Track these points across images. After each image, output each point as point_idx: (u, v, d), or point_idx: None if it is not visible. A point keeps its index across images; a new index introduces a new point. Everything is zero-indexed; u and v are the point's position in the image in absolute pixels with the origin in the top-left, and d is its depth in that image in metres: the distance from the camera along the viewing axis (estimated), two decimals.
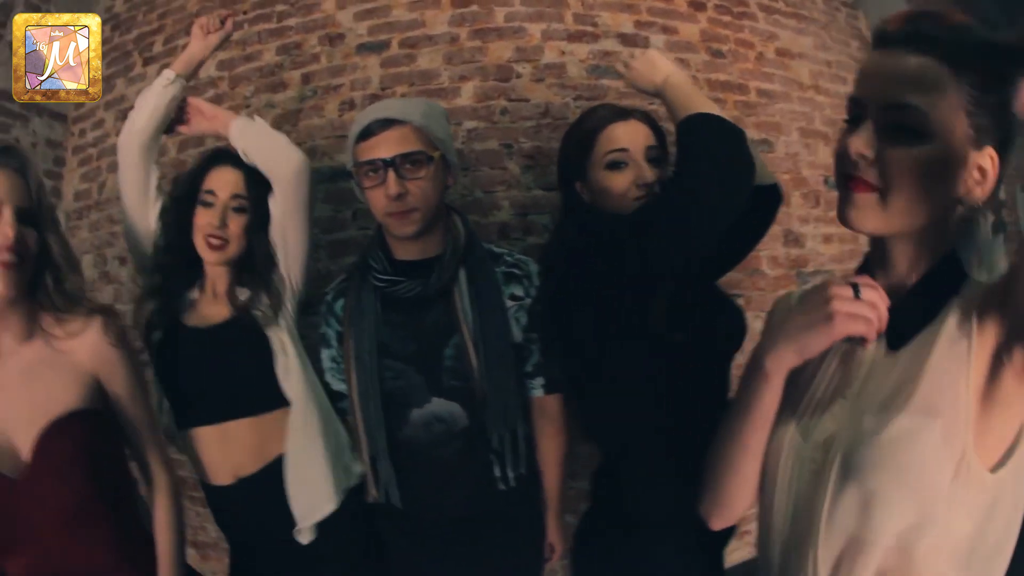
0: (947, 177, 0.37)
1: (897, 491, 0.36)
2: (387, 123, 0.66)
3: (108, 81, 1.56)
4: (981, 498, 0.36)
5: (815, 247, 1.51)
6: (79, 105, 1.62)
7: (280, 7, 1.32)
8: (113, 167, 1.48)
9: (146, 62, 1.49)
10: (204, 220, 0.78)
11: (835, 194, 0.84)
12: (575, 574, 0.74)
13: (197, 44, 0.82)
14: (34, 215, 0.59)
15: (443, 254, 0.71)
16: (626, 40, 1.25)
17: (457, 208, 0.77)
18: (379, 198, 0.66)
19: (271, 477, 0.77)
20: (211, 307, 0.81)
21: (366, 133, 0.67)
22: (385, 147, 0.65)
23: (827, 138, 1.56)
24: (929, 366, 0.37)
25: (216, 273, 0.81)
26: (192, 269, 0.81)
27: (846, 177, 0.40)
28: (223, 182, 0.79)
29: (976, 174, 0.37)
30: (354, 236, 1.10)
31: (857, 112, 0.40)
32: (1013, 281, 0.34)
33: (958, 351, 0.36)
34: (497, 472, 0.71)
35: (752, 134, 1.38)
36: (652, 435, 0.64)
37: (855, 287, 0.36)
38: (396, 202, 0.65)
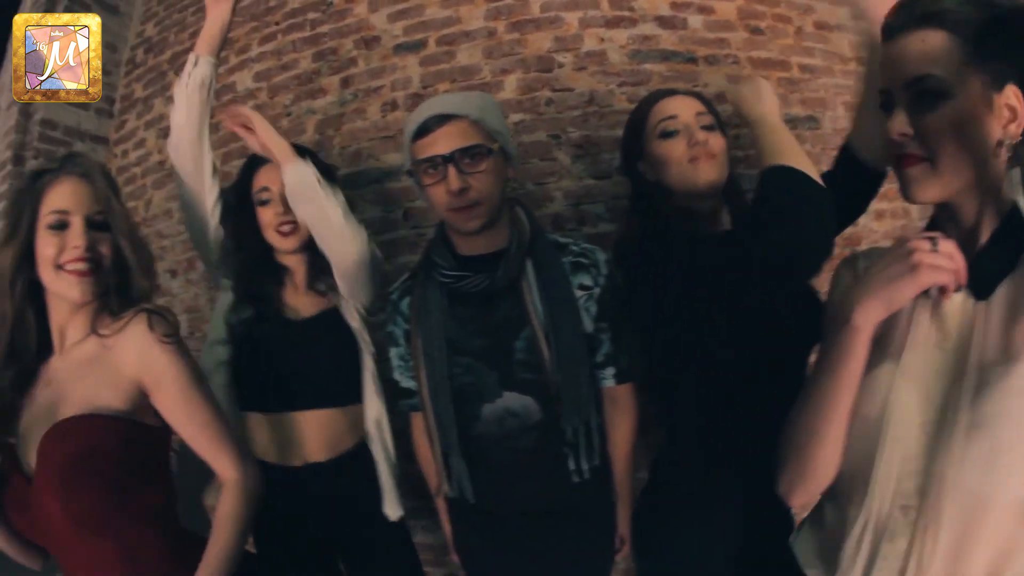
0: (978, 125, 0.40)
1: (1021, 440, 0.36)
2: (443, 119, 0.65)
3: (146, 102, 1.62)
4: None
5: (867, 223, 1.46)
6: (119, 127, 1.69)
7: (312, 15, 1.35)
8: (158, 184, 1.54)
9: None
10: (267, 217, 0.83)
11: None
12: (637, 554, 0.75)
13: (212, 14, 0.80)
14: (105, 220, 0.60)
15: (509, 247, 0.70)
16: (664, 23, 1.23)
17: (520, 200, 0.77)
18: (440, 194, 0.66)
19: (339, 467, 0.82)
20: (296, 299, 0.85)
21: (422, 130, 0.66)
22: (443, 143, 0.64)
23: None
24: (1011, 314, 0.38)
25: (293, 262, 0.85)
26: (269, 264, 0.85)
27: (898, 159, 0.44)
28: (272, 177, 0.82)
29: (1006, 113, 0.40)
30: (405, 236, 1.11)
31: (888, 101, 0.45)
32: None
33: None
34: (572, 465, 0.70)
35: (797, 110, 1.36)
36: (726, 421, 0.65)
37: (932, 240, 0.39)
38: (458, 197, 0.65)
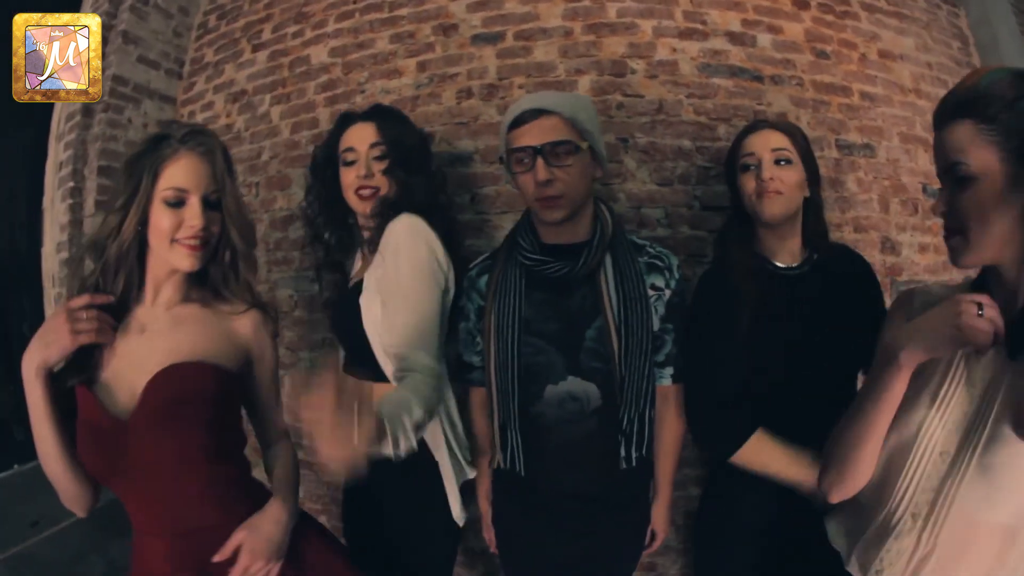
0: (1005, 202, 0.47)
1: (1019, 485, 0.47)
2: (538, 112, 0.70)
3: (216, 66, 1.71)
4: None
5: (910, 256, 1.51)
6: (187, 89, 1.78)
7: None
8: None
9: (255, 49, 1.61)
10: (351, 177, 0.83)
11: (931, 202, 0.89)
12: (698, 533, 0.83)
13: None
14: (218, 199, 0.64)
15: (591, 239, 0.75)
16: (734, 39, 1.28)
17: (603, 198, 0.82)
18: (528, 183, 0.72)
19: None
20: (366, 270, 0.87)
21: (518, 121, 0.72)
22: (535, 135, 0.70)
23: (927, 144, 1.55)
24: None
25: (373, 227, 0.83)
26: (345, 230, 0.89)
27: (945, 233, 0.53)
28: (359, 137, 0.84)
29: None
30: (472, 219, 1.18)
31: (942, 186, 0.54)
32: None
33: None
34: (623, 452, 0.74)
35: (854, 138, 1.41)
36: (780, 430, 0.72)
37: (979, 305, 0.45)
38: (543, 188, 0.70)
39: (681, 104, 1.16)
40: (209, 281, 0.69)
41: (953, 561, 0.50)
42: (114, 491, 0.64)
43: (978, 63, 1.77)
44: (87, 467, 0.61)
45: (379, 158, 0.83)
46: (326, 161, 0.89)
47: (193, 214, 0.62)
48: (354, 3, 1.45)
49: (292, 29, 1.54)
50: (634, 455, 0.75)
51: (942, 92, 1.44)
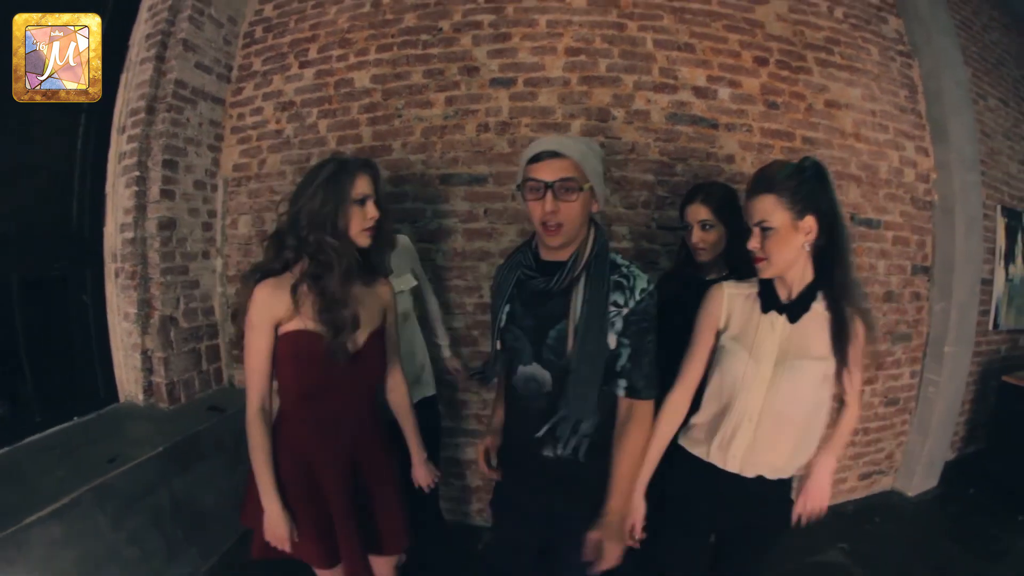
0: (790, 239, 0.90)
1: (807, 387, 0.92)
2: (554, 154, 0.86)
3: (264, 76, 2.09)
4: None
5: None
6: (236, 92, 2.16)
7: (424, 36, 1.81)
8: (273, 149, 2.03)
9: (301, 65, 2.00)
10: (358, 220, 1.16)
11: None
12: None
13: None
14: (380, 202, 0.98)
15: (567, 261, 0.91)
16: (699, 92, 1.71)
17: (600, 223, 0.97)
18: (537, 210, 0.88)
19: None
20: None
21: (536, 159, 0.88)
22: (548, 171, 0.86)
23: (860, 181, 1.99)
24: (812, 329, 0.91)
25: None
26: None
27: (756, 258, 0.94)
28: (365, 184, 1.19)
29: (805, 228, 0.90)
30: (484, 227, 1.60)
31: (749, 231, 0.94)
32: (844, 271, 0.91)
33: (823, 321, 0.90)
34: (548, 452, 0.94)
35: None
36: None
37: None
38: (548, 216, 0.86)
39: (649, 146, 1.59)
40: (373, 260, 1.03)
41: (772, 441, 0.95)
42: (308, 400, 0.98)
43: (923, 110, 2.20)
44: (304, 382, 0.97)
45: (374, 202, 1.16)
46: (338, 199, 1.25)
47: (372, 210, 0.95)
48: (392, 37, 1.85)
49: (336, 52, 1.92)
50: (558, 453, 0.93)
51: (881, 136, 1.94)
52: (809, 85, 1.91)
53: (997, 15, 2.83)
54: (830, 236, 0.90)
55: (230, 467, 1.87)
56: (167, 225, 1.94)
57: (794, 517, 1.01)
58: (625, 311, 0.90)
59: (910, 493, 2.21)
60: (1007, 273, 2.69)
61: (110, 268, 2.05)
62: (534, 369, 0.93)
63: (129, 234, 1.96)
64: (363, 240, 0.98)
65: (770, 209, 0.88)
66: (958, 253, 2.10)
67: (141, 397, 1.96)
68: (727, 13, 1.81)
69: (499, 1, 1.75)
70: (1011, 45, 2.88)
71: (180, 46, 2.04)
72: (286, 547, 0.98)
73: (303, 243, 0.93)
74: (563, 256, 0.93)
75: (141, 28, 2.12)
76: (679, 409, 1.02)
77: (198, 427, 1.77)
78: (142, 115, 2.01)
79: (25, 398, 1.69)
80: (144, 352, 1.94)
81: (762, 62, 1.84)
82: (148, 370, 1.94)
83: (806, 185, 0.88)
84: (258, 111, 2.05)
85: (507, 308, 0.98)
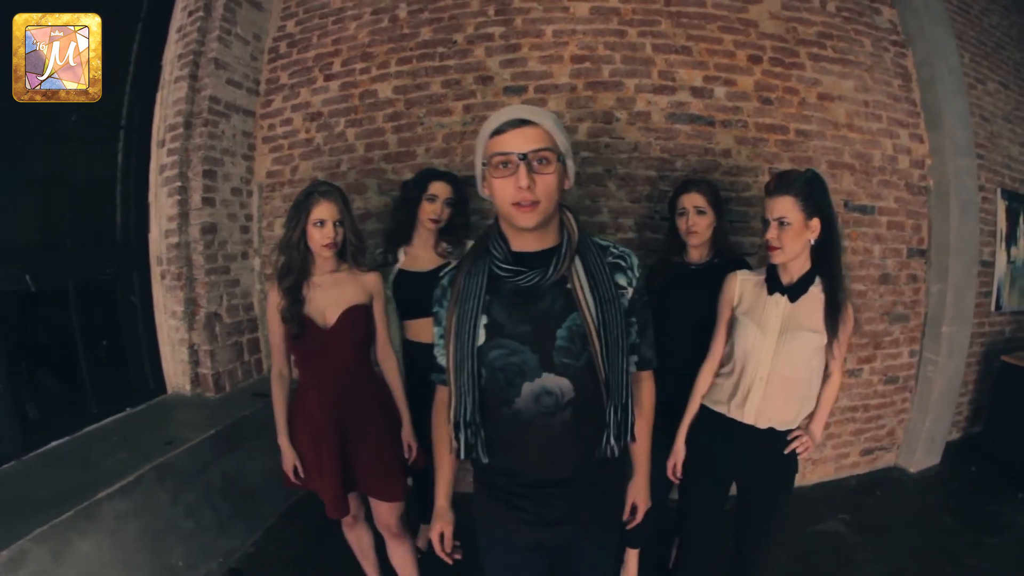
0: (801, 234, 1.11)
1: (805, 354, 1.15)
2: (521, 122, 0.74)
3: (292, 88, 2.28)
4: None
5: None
6: (266, 104, 2.37)
7: (440, 49, 2.00)
8: (305, 156, 2.24)
9: (327, 78, 2.20)
10: (429, 210, 1.52)
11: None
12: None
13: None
14: (341, 221, 1.27)
15: (559, 247, 0.81)
16: (695, 92, 1.88)
17: (569, 206, 0.88)
18: (507, 188, 0.74)
19: None
20: (420, 257, 1.55)
21: (501, 129, 0.75)
22: (520, 142, 0.73)
23: (853, 169, 2.13)
24: (808, 308, 1.10)
25: (424, 236, 1.56)
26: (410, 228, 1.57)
27: (770, 246, 1.14)
28: (442, 189, 1.52)
29: (812, 227, 1.11)
30: None
31: (766, 225, 1.15)
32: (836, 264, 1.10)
33: (818, 302, 1.10)
34: (609, 441, 0.83)
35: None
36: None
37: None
38: (524, 192, 0.73)
39: (651, 144, 1.76)
40: (348, 258, 1.34)
41: (780, 398, 1.15)
42: (303, 366, 1.34)
43: (918, 98, 2.32)
44: (300, 354, 1.33)
45: (447, 203, 1.54)
46: (414, 195, 1.56)
47: (329, 230, 1.26)
48: (410, 50, 2.05)
49: (359, 65, 2.12)
50: (617, 445, 0.84)
51: (874, 126, 2.13)
52: (802, 80, 2.04)
53: None
54: (828, 235, 1.10)
55: (273, 447, 2.08)
56: (209, 230, 2.17)
57: (793, 446, 1.22)
58: (629, 291, 0.86)
59: (912, 469, 2.34)
60: (1009, 255, 2.80)
61: (156, 271, 2.27)
62: (546, 381, 0.81)
63: (174, 239, 2.17)
64: (325, 254, 1.28)
65: (789, 208, 1.09)
66: (953, 236, 2.23)
67: (188, 388, 2.18)
68: (722, 15, 1.96)
69: (508, 13, 1.93)
70: (1011, 27, 2.95)
71: (212, 64, 2.23)
72: (290, 476, 1.35)
73: (285, 256, 1.32)
74: (540, 245, 0.82)
75: (172, 48, 2.34)
76: (712, 370, 1.27)
77: (243, 412, 1.98)
78: (180, 130, 2.20)
79: (81, 392, 1.91)
80: (191, 346, 2.16)
81: (756, 60, 1.99)
82: (195, 363, 2.17)
83: (816, 193, 1.09)
84: (288, 122, 2.25)
85: (484, 320, 0.82)
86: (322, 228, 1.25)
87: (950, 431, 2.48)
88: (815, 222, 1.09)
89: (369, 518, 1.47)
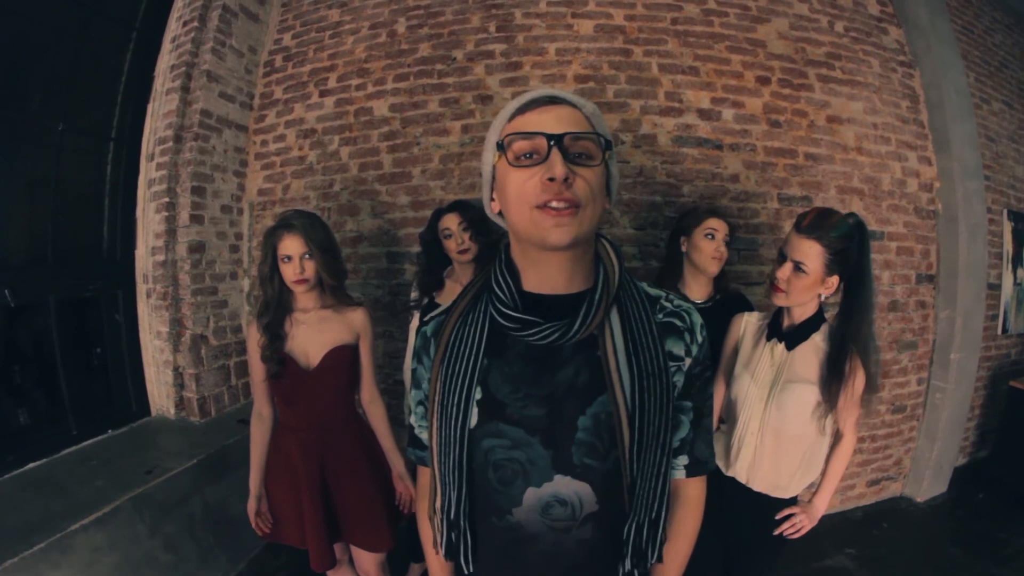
0: (813, 287, 1.01)
1: (800, 408, 1.02)
2: (554, 100, 0.53)
3: (286, 104, 2.21)
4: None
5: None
6: (259, 120, 2.29)
7: (439, 65, 1.93)
8: (297, 175, 2.16)
9: (322, 94, 2.13)
10: (451, 246, 1.44)
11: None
12: None
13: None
14: (311, 254, 1.18)
15: (592, 289, 0.57)
16: (703, 114, 1.81)
17: (607, 236, 0.63)
18: (533, 186, 0.51)
19: None
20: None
21: (526, 108, 0.54)
22: (552, 122, 0.51)
23: (862, 194, 2.07)
24: (807, 357, 1.03)
25: (463, 269, 1.46)
26: (441, 271, 1.50)
27: (775, 286, 1.06)
28: (452, 222, 1.44)
29: (829, 285, 1.01)
30: None
31: (782, 259, 1.06)
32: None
33: (819, 353, 1.00)
34: (627, 565, 0.60)
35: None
36: None
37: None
38: (559, 186, 0.50)
39: (656, 169, 1.69)
40: (330, 295, 1.27)
41: (773, 455, 1.06)
42: (285, 406, 1.26)
43: (926, 120, 2.27)
44: (281, 395, 1.24)
45: (465, 230, 1.44)
46: (432, 235, 1.49)
47: (296, 266, 1.18)
48: (408, 67, 1.97)
49: (355, 81, 2.05)
50: (640, 571, 0.61)
51: (884, 148, 2.05)
52: (811, 102, 1.99)
53: (1000, 16, 2.88)
54: (857, 292, 0.97)
55: None
56: (197, 248, 2.08)
57: (783, 527, 1.09)
58: (687, 362, 0.61)
59: (919, 499, 2.28)
60: (1015, 277, 2.75)
61: (141, 289, 2.19)
62: (560, 485, 0.58)
63: (160, 257, 2.09)
64: (298, 289, 1.21)
65: (813, 256, 0.98)
66: (962, 261, 2.17)
67: (173, 411, 2.09)
68: (729, 34, 1.91)
69: (510, 30, 1.86)
70: (1014, 47, 2.93)
71: (204, 77, 2.16)
72: (252, 522, 1.26)
73: (262, 292, 1.26)
74: (565, 285, 0.59)
75: (164, 59, 2.26)
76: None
77: (228, 440, 1.89)
78: (170, 144, 2.13)
79: (61, 412, 1.82)
80: (176, 368, 2.07)
81: (764, 81, 1.93)
82: (180, 385, 2.08)
83: (849, 252, 0.96)
84: (281, 138, 2.17)
85: (478, 395, 0.60)
86: (289, 263, 1.18)
87: (956, 457, 2.41)
88: (833, 280, 0.98)
89: (353, 560, 1.39)
